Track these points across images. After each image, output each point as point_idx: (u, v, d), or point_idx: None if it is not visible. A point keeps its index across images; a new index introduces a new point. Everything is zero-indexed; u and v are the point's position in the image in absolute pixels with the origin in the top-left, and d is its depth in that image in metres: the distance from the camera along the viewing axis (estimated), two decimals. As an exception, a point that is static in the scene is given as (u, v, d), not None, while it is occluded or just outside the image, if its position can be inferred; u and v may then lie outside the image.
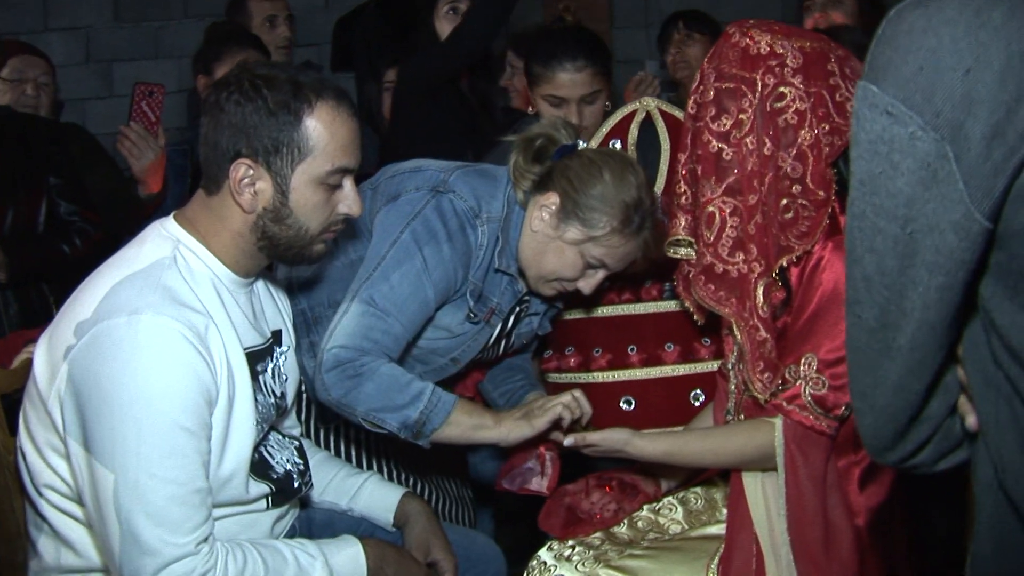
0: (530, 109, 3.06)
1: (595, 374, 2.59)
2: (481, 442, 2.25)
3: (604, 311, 2.61)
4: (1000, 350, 1.11)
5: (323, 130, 1.82)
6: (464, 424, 2.16)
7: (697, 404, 2.52)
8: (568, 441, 2.13)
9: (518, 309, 2.42)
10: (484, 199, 2.27)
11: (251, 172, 1.81)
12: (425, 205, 2.23)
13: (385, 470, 2.53)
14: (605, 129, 2.68)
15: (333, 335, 2.15)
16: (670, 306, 2.53)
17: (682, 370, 2.55)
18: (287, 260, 1.97)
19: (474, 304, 2.29)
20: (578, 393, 2.22)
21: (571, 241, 2.23)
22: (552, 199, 2.23)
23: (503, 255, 2.27)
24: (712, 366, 2.47)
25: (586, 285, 2.29)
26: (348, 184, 1.90)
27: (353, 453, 2.52)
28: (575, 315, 2.63)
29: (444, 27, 3.39)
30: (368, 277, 2.19)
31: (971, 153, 1.01)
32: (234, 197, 1.83)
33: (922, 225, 1.06)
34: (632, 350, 2.58)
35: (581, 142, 2.32)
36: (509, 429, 2.17)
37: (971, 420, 1.19)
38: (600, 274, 2.29)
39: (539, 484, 2.31)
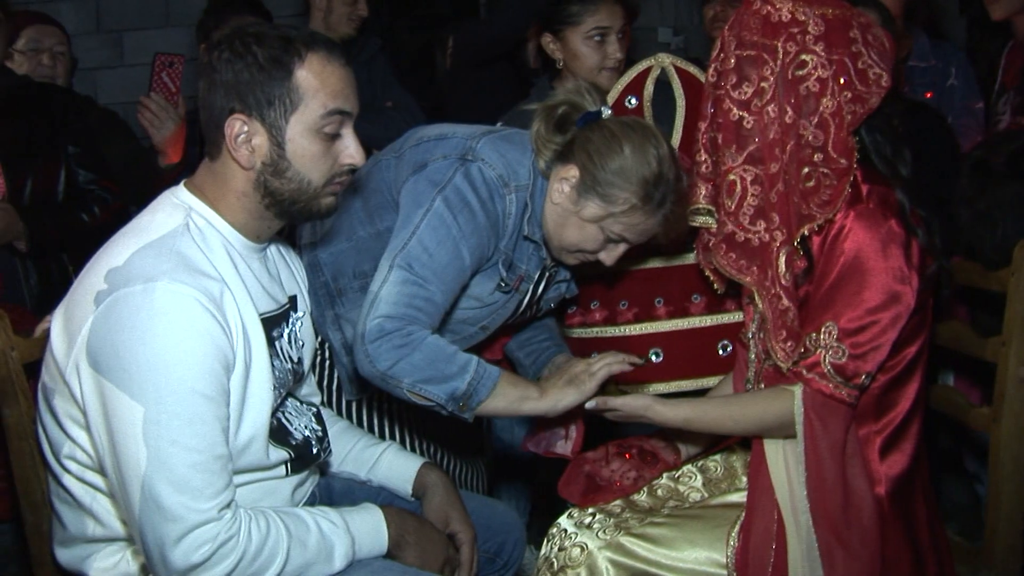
0: (558, 63, 3.04)
1: (622, 327, 2.61)
2: (528, 414, 2.25)
3: (628, 265, 2.60)
4: None
5: (313, 79, 1.81)
6: (511, 396, 2.16)
7: (724, 354, 2.54)
8: (591, 404, 2.13)
9: (547, 275, 2.41)
10: (511, 166, 2.25)
11: (246, 128, 1.81)
12: (455, 173, 2.21)
13: (400, 436, 2.55)
14: (621, 86, 2.68)
15: (376, 305, 2.13)
16: (695, 258, 2.48)
17: (709, 321, 2.57)
18: (295, 216, 1.95)
19: (506, 273, 2.29)
20: (621, 355, 2.23)
21: (590, 218, 2.21)
22: (572, 172, 2.21)
23: (530, 222, 2.27)
24: (739, 317, 2.46)
25: (608, 257, 2.28)
26: (348, 133, 1.89)
27: (376, 422, 2.52)
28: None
29: None
30: (403, 246, 2.16)
31: None
32: (232, 155, 1.83)
33: None
34: (659, 302, 2.59)
35: (606, 109, 2.27)
36: (557, 398, 2.16)
37: None
38: (622, 247, 2.27)
39: (563, 447, 2.34)
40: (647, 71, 2.66)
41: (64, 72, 3.41)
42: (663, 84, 2.65)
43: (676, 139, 2.55)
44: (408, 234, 2.18)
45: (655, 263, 2.61)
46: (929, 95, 3.49)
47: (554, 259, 2.37)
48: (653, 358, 2.57)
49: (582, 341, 2.63)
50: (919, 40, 3.55)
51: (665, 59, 2.65)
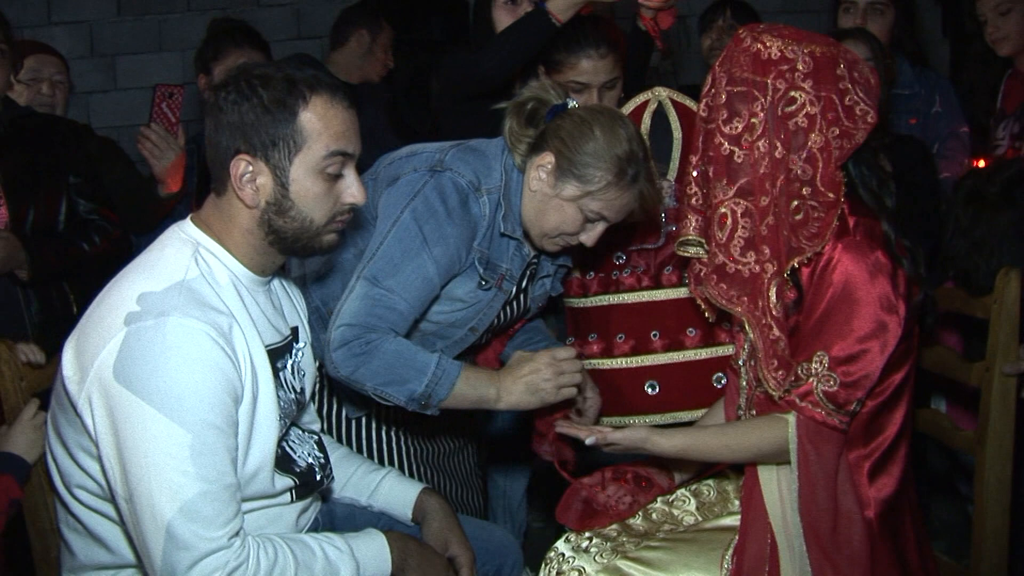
0: (533, 81, 3.02)
1: (619, 359, 2.66)
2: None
3: (625, 298, 2.67)
4: None
5: (317, 121, 1.86)
6: (470, 397, 2.26)
7: (719, 386, 2.58)
8: (590, 440, 2.16)
9: (528, 273, 2.48)
10: (481, 172, 2.33)
11: (251, 168, 1.85)
12: (424, 184, 2.29)
13: (399, 461, 2.58)
14: None
15: (339, 314, 2.23)
16: (689, 291, 2.54)
17: (704, 354, 2.62)
18: (298, 252, 2.00)
19: (484, 271, 2.35)
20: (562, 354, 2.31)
21: (569, 197, 2.28)
22: (548, 159, 2.29)
23: (507, 220, 2.34)
24: (733, 349, 2.48)
25: (588, 238, 2.36)
26: (350, 173, 1.94)
27: (375, 449, 2.57)
28: (597, 302, 2.69)
29: (502, 18, 3.30)
30: (371, 257, 2.25)
31: None
32: (237, 194, 1.87)
33: None
34: (655, 335, 2.64)
35: (571, 101, 2.36)
36: (516, 403, 2.28)
37: None
38: (600, 226, 2.34)
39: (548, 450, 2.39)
40: (644, 104, 2.71)
41: (63, 100, 3.45)
42: (661, 116, 2.69)
43: (673, 171, 2.61)
44: (376, 245, 2.26)
45: (651, 296, 2.66)
46: (913, 121, 3.55)
47: (537, 250, 2.44)
48: (649, 390, 2.62)
49: (581, 373, 2.66)
50: (903, 68, 3.60)
51: (662, 92, 2.71)
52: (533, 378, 2.26)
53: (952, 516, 3.48)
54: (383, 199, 2.33)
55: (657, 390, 2.63)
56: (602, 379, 2.60)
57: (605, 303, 2.69)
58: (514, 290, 2.45)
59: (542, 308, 2.65)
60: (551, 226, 2.34)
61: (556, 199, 2.30)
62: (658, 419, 2.60)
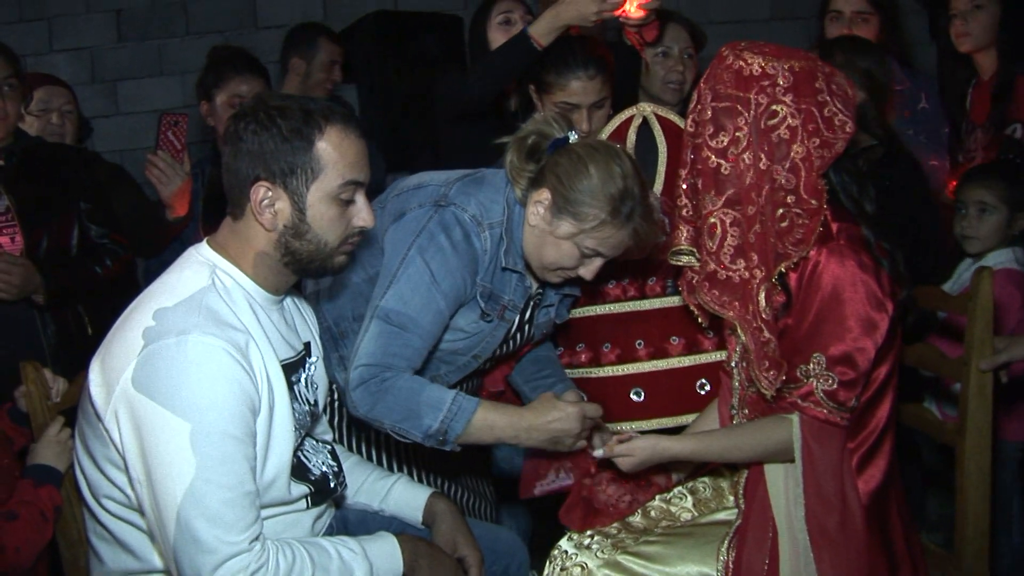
0: (536, 114, 3.01)
1: (605, 368, 2.70)
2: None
3: (611, 308, 2.72)
4: None
5: (332, 151, 1.95)
6: (487, 436, 2.29)
7: (703, 393, 2.64)
8: (598, 453, 2.24)
9: (532, 303, 2.51)
10: (484, 206, 2.36)
11: (270, 194, 1.94)
12: (429, 220, 2.33)
13: (408, 468, 2.64)
14: (604, 134, 2.77)
15: (356, 355, 2.27)
16: (674, 301, 2.62)
17: (687, 361, 2.66)
18: (311, 273, 2.08)
19: (485, 304, 2.39)
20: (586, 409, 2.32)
21: (564, 235, 2.30)
22: (544, 195, 2.31)
23: (509, 254, 2.37)
24: (716, 356, 2.58)
25: (586, 272, 2.37)
26: (360, 199, 2.02)
27: (384, 456, 2.63)
28: (584, 313, 2.73)
29: (496, 36, 3.36)
30: (382, 295, 2.30)
31: None
32: (256, 218, 1.96)
33: None
34: (640, 344, 2.68)
35: (572, 134, 2.36)
36: (533, 446, 2.30)
37: None
38: (598, 261, 2.36)
39: (565, 478, 2.44)
40: (629, 120, 2.76)
41: (72, 130, 3.52)
42: (646, 131, 2.74)
43: (659, 184, 2.65)
44: (386, 283, 2.31)
45: (635, 306, 2.71)
46: (908, 115, 3.59)
47: (540, 282, 2.47)
48: (634, 397, 2.67)
49: (570, 381, 2.70)
50: (891, 66, 3.66)
51: (647, 108, 2.76)
52: (559, 430, 2.28)
53: (948, 509, 3.55)
54: (389, 234, 2.38)
55: (642, 397, 2.67)
56: (590, 387, 2.66)
57: (592, 314, 2.74)
58: (517, 319, 2.49)
59: (546, 335, 2.68)
60: (549, 260, 2.36)
61: (552, 236, 2.32)
62: (644, 425, 2.64)
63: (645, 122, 2.76)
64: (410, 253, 2.31)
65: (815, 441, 2.10)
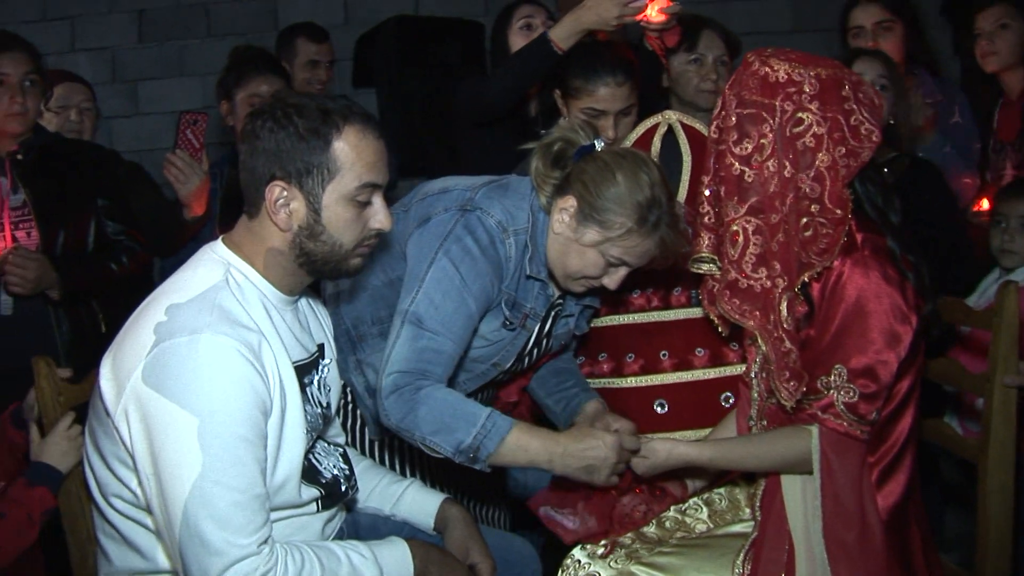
0: (563, 120, 3.01)
1: (628, 379, 2.68)
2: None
3: (635, 318, 2.70)
4: None
5: (350, 151, 1.92)
6: (520, 458, 2.22)
7: (727, 406, 2.60)
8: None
9: (553, 312, 2.49)
10: (509, 213, 2.34)
11: (285, 193, 1.92)
12: (455, 224, 2.31)
13: (421, 474, 2.62)
14: (629, 142, 2.76)
15: (389, 361, 2.22)
16: (698, 312, 2.58)
17: (712, 373, 2.63)
18: (326, 275, 2.06)
19: (509, 312, 2.36)
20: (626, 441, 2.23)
21: (590, 243, 2.28)
22: (570, 202, 2.28)
23: (533, 262, 2.34)
24: (740, 369, 2.52)
25: (611, 281, 2.34)
26: (377, 200, 2.00)
27: (397, 461, 2.61)
28: (607, 322, 2.71)
29: (517, 41, 3.35)
30: (412, 300, 2.26)
31: None
32: (271, 217, 1.94)
33: None
34: (664, 355, 2.66)
35: (599, 142, 2.34)
36: (568, 473, 2.21)
37: None
38: (623, 271, 2.33)
39: (571, 523, 2.33)
40: (654, 128, 2.74)
41: (91, 127, 3.55)
42: (670, 139, 2.72)
43: (683, 193, 2.64)
44: (415, 288, 2.27)
45: (660, 316, 2.69)
46: (939, 129, 3.57)
47: (562, 291, 2.44)
48: (658, 409, 2.64)
49: (591, 391, 2.68)
50: (924, 78, 3.63)
51: (672, 116, 2.74)
52: (595, 458, 2.19)
53: (967, 527, 3.51)
54: (413, 239, 2.35)
55: (666, 409, 2.65)
56: (612, 398, 2.64)
57: (615, 323, 2.72)
58: (537, 328, 2.46)
59: (565, 346, 2.65)
60: (573, 269, 2.33)
61: (577, 244, 2.29)
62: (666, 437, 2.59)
63: (670, 130, 2.74)
64: (437, 256, 2.28)
65: (834, 454, 2.07)
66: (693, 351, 2.65)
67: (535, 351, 2.53)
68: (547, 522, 2.31)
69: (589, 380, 2.71)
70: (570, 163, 2.33)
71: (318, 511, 2.09)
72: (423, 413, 2.18)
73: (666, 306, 2.69)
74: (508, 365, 2.50)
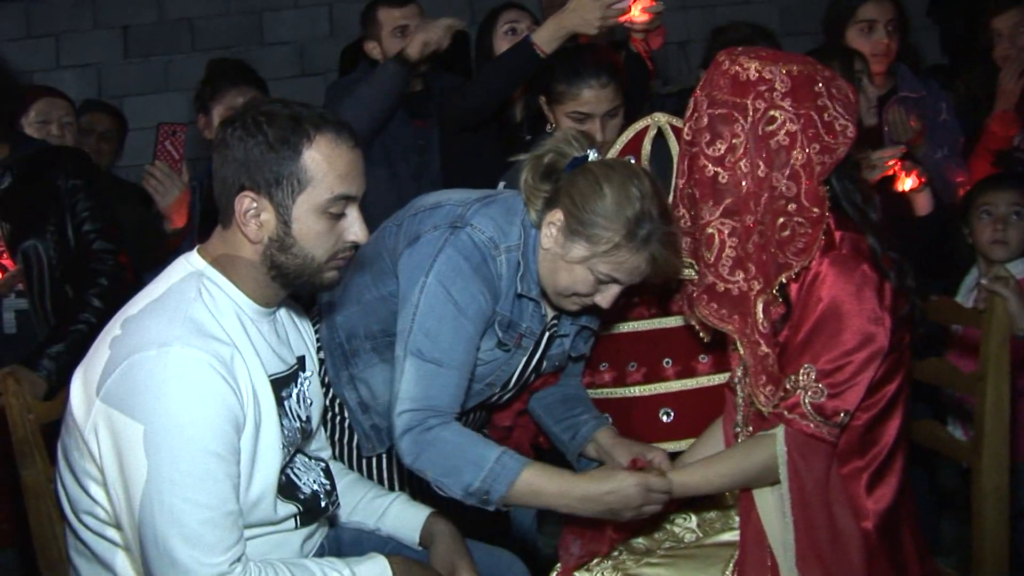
0: (549, 126, 3.03)
1: (631, 388, 2.64)
2: None
3: (635, 326, 2.65)
4: None
5: (322, 161, 1.87)
6: (534, 503, 2.19)
7: None
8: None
9: (548, 333, 2.43)
10: (501, 229, 2.27)
11: (255, 204, 1.88)
12: (444, 243, 2.24)
13: (411, 489, 2.54)
14: (619, 146, 2.71)
15: (398, 399, 2.19)
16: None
17: (717, 379, 2.56)
18: (300, 288, 2.02)
19: (503, 334, 2.31)
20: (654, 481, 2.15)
21: (577, 259, 2.19)
22: (557, 216, 2.21)
23: (524, 280, 2.27)
24: None
25: (602, 300, 2.26)
26: (352, 212, 1.95)
27: (386, 476, 2.56)
28: (607, 331, 2.66)
29: (501, 47, 3.35)
30: (409, 331, 2.21)
31: None
32: (241, 229, 1.90)
33: None
34: (667, 363, 2.62)
35: (592, 152, 2.27)
36: (588, 513, 2.15)
37: None
38: (614, 288, 2.25)
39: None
40: (644, 131, 2.70)
41: (72, 141, 3.51)
42: (660, 142, 2.68)
43: (672, 196, 2.59)
44: (410, 317, 2.22)
45: (659, 323, 2.64)
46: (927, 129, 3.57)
47: (556, 309, 2.38)
48: (664, 418, 2.61)
49: (593, 402, 2.64)
50: (906, 74, 3.64)
51: (661, 118, 2.69)
52: (616, 503, 2.11)
53: (962, 532, 3.48)
54: (404, 258, 2.29)
55: (672, 417, 2.61)
56: (616, 408, 2.61)
57: (614, 332, 2.67)
58: (532, 347, 2.40)
59: (561, 368, 2.58)
60: (563, 286, 2.25)
61: (563, 260, 2.22)
62: (673, 446, 2.56)
63: (660, 133, 2.70)
64: (429, 281, 2.22)
65: (800, 456, 2.03)
66: (696, 357, 2.62)
67: (529, 372, 2.47)
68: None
69: (590, 390, 2.66)
70: (562, 176, 2.26)
71: (296, 527, 2.05)
72: (432, 454, 2.15)
73: (665, 312, 2.64)
74: (502, 386, 2.45)
